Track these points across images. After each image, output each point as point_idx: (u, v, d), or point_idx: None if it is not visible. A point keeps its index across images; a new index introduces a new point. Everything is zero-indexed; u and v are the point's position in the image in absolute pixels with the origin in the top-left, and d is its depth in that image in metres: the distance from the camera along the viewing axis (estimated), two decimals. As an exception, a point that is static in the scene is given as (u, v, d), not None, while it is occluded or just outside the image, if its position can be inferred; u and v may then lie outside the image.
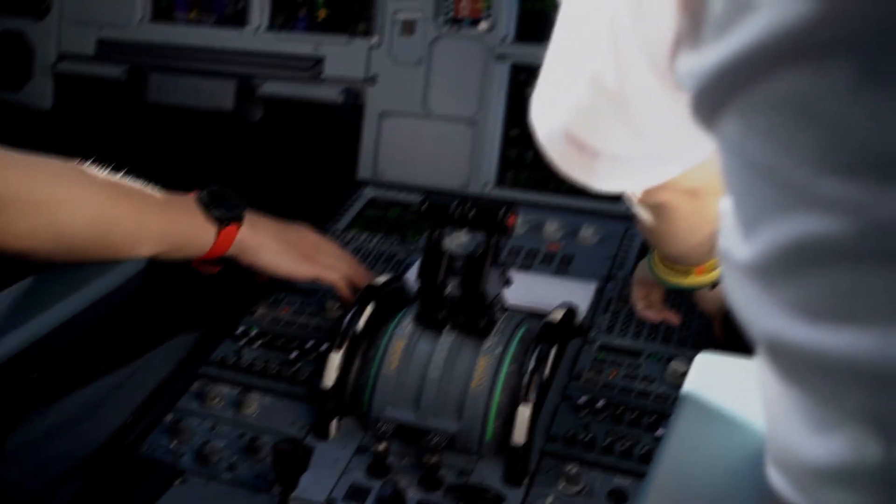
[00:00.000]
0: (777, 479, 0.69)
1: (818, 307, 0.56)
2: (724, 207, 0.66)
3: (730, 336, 1.52)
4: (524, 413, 1.35)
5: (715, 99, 0.60)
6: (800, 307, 0.57)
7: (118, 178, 1.38)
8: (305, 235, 1.66)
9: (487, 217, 1.44)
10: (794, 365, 0.60)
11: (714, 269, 1.40)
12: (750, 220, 0.60)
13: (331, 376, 1.46)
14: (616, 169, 0.88)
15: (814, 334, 0.56)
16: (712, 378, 1.02)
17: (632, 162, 0.87)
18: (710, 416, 0.96)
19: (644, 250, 1.81)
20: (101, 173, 1.33)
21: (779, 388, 0.63)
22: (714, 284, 1.46)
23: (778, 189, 0.56)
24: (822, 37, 0.50)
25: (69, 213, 1.26)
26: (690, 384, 1.02)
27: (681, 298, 1.61)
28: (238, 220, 1.51)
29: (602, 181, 0.91)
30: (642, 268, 1.56)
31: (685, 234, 1.19)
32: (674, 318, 1.59)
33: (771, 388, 0.65)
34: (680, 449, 0.91)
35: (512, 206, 1.45)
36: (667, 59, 0.68)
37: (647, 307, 1.59)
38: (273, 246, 1.58)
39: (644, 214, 1.20)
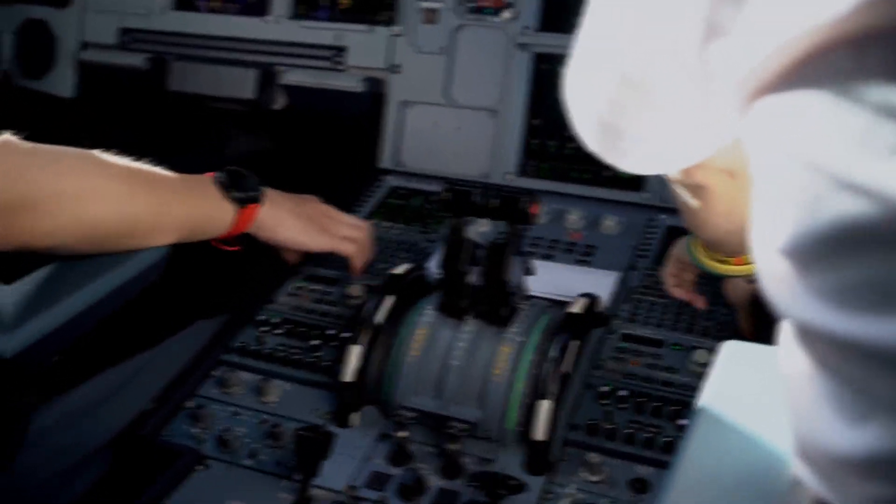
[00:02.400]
0: (803, 472, 0.69)
1: (853, 295, 0.55)
2: (755, 194, 0.65)
3: (754, 329, 1.51)
4: (545, 408, 1.34)
5: (751, 84, 0.59)
6: (834, 295, 0.56)
7: (138, 164, 1.37)
8: (319, 207, 1.68)
9: (510, 206, 1.43)
10: (828, 353, 0.59)
11: (751, 262, 1.39)
12: (784, 207, 0.59)
13: (351, 369, 1.45)
14: (645, 151, 0.87)
15: (848, 322, 0.56)
16: (738, 366, 1.01)
17: (659, 145, 0.86)
18: (736, 404, 0.95)
19: (667, 241, 1.80)
20: (121, 161, 1.33)
21: (809, 378, 0.62)
22: (751, 279, 1.44)
23: (814, 174, 0.55)
24: (862, 22, 0.50)
25: (94, 208, 1.26)
26: (716, 372, 1.01)
27: (708, 286, 1.60)
28: (256, 200, 1.52)
29: (632, 163, 0.91)
30: (681, 246, 1.54)
31: (723, 216, 1.17)
32: (700, 302, 1.58)
33: (800, 378, 0.64)
34: (705, 438, 0.90)
35: (534, 195, 1.44)
36: (696, 48, 0.67)
37: (677, 285, 1.58)
38: (291, 221, 1.59)
39: (683, 195, 1.19)
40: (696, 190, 1.12)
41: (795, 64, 0.54)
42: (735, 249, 1.36)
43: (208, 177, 1.49)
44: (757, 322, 1.51)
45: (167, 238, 1.37)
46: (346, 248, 1.66)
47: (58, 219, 1.21)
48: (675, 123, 0.80)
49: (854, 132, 0.52)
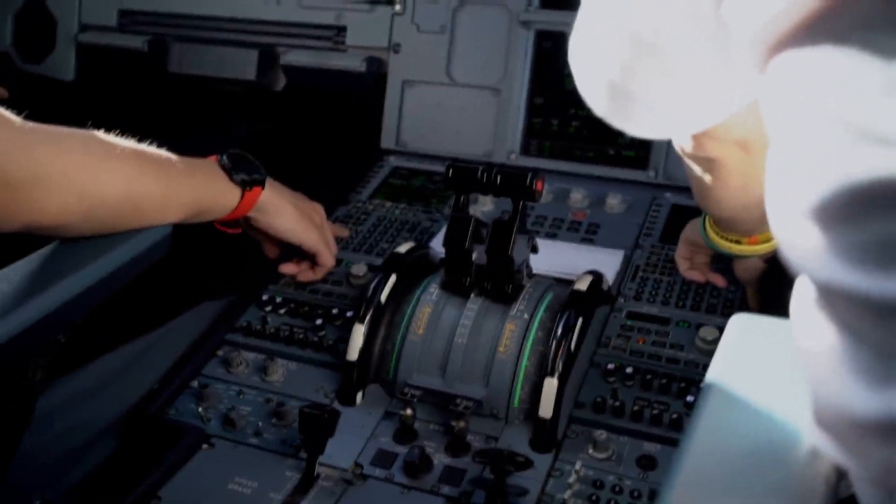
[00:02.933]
0: (822, 440, 0.68)
1: (880, 252, 0.54)
2: (774, 155, 0.64)
3: (763, 307, 1.51)
4: (551, 386, 1.34)
5: (769, 39, 0.58)
6: (860, 253, 0.55)
7: (142, 146, 1.37)
8: (312, 205, 1.68)
9: (515, 182, 1.43)
10: (850, 315, 0.59)
11: (766, 241, 1.38)
12: (807, 165, 0.58)
13: (355, 349, 1.45)
14: (656, 115, 0.86)
15: (873, 280, 0.55)
16: (747, 339, 1.00)
17: (672, 108, 0.85)
18: (746, 377, 0.94)
19: (672, 219, 1.79)
20: (125, 142, 1.32)
21: (829, 343, 0.61)
22: (768, 258, 1.44)
23: (840, 129, 0.54)
24: None
25: (100, 187, 1.24)
26: (725, 345, 1.00)
27: (716, 264, 1.59)
28: (260, 183, 1.51)
29: (642, 128, 0.89)
30: (692, 228, 1.54)
31: (735, 191, 1.16)
32: (719, 281, 1.57)
33: (819, 343, 0.63)
34: (715, 413, 0.89)
35: (538, 172, 1.43)
36: (711, 4, 0.66)
37: (692, 268, 1.58)
38: (290, 210, 1.59)
39: (695, 170, 1.18)
40: (709, 164, 1.11)
41: (816, 15, 0.53)
42: (748, 227, 1.36)
43: (212, 160, 1.48)
44: (767, 300, 1.51)
45: (172, 218, 1.35)
46: (326, 255, 1.67)
47: (64, 197, 1.19)
48: (688, 85, 0.79)
49: (882, 83, 0.51)
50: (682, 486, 0.78)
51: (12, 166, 1.12)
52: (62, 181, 1.18)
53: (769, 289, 1.50)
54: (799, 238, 0.60)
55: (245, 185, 1.48)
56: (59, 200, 1.18)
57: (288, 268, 1.69)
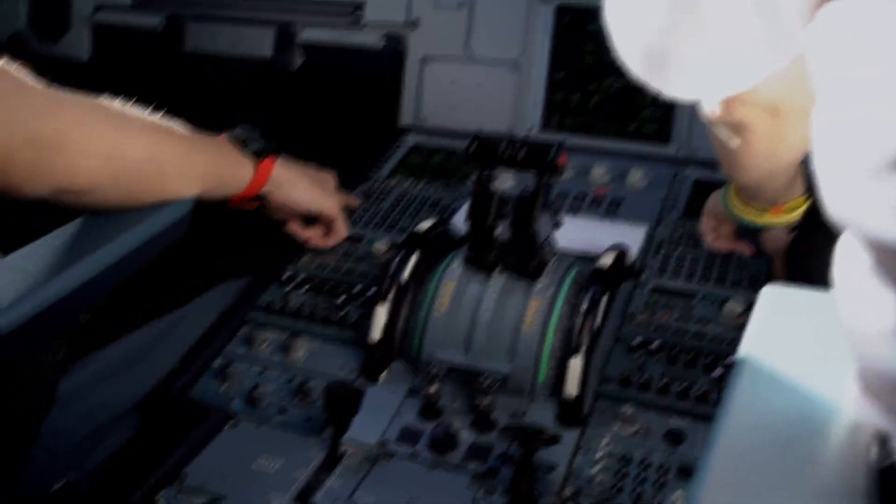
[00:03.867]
0: (867, 407, 0.66)
1: None
2: (824, 111, 0.61)
3: (789, 278, 1.49)
4: (576, 365, 1.32)
5: None
6: None
7: (161, 118, 1.36)
8: (322, 174, 1.69)
9: (538, 157, 1.41)
10: None
11: (791, 210, 1.36)
12: (866, 117, 0.56)
13: (378, 328, 1.44)
14: (695, 75, 0.84)
15: None
16: (779, 311, 0.99)
17: (707, 68, 0.83)
18: (779, 350, 0.93)
19: (695, 194, 1.77)
20: (144, 113, 1.32)
21: (886, 307, 0.59)
22: (793, 228, 1.42)
23: None
24: None
25: (124, 151, 1.25)
26: (757, 318, 0.98)
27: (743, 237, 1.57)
28: (273, 152, 1.52)
29: (680, 88, 0.87)
30: (715, 199, 1.51)
31: (762, 158, 1.14)
32: (745, 249, 1.55)
33: (874, 308, 0.61)
34: (750, 387, 0.88)
35: (562, 145, 1.41)
36: None
37: (717, 238, 1.55)
38: (304, 181, 1.60)
39: (722, 134, 1.16)
40: (737, 128, 1.09)
41: None
42: (773, 196, 1.34)
43: (222, 136, 1.49)
44: (794, 270, 1.49)
45: (192, 188, 1.36)
46: (342, 223, 1.69)
47: (91, 159, 1.20)
48: (727, 42, 0.77)
49: None
50: (719, 460, 0.76)
51: (42, 126, 1.14)
52: (89, 143, 1.20)
53: (796, 259, 1.48)
54: (857, 196, 0.58)
55: (258, 156, 1.49)
56: (87, 162, 1.19)
57: (298, 230, 1.68)
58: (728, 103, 1.01)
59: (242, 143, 1.48)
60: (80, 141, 1.18)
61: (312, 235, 1.69)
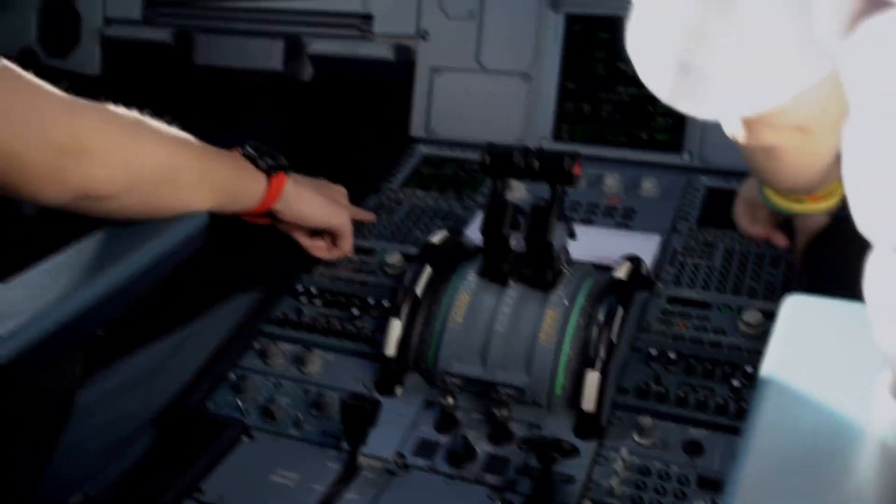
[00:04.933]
0: None
1: None
2: (858, 123, 0.61)
3: (809, 285, 1.48)
4: (593, 379, 1.32)
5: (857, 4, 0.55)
6: None
7: (175, 130, 1.37)
8: (332, 186, 1.69)
9: (553, 166, 1.41)
10: None
11: (828, 196, 1.34)
12: None
13: (392, 343, 1.44)
14: (721, 91, 0.83)
15: None
16: (802, 321, 0.98)
17: (738, 82, 0.82)
18: (805, 361, 0.92)
19: (708, 203, 1.77)
20: (160, 123, 1.33)
21: None
22: (834, 214, 1.40)
23: None
24: None
25: (141, 158, 1.26)
26: (780, 329, 0.98)
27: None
28: (284, 168, 1.52)
29: (707, 107, 0.86)
30: (750, 186, 1.49)
31: (795, 171, 1.13)
32: (780, 239, 1.53)
33: None
34: (776, 401, 0.87)
35: (577, 155, 1.41)
36: None
37: (752, 224, 1.54)
38: (315, 198, 1.60)
39: (752, 158, 1.15)
40: (765, 152, 1.07)
41: None
42: (809, 190, 1.32)
43: (235, 151, 1.49)
44: (812, 277, 1.48)
45: (206, 200, 1.36)
46: (348, 239, 1.69)
47: (110, 166, 1.21)
48: (759, 53, 0.76)
49: None
50: (748, 477, 0.76)
51: (61, 133, 1.15)
52: (107, 150, 1.20)
53: (816, 266, 1.47)
54: (892, 212, 0.58)
55: (271, 171, 1.49)
56: (105, 169, 1.20)
57: (304, 240, 1.68)
58: (753, 127, 1.00)
59: (254, 159, 1.48)
60: (98, 148, 1.19)
61: (317, 247, 1.69)
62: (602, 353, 1.33)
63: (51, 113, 1.15)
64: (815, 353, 0.93)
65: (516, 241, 1.44)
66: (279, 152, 1.53)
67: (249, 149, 1.49)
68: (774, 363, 0.91)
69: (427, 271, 1.49)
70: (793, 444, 0.79)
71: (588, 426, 1.32)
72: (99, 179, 1.20)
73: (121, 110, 1.27)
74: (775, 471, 0.75)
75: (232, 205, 1.45)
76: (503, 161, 1.43)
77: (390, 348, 1.44)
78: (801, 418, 0.82)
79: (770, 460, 0.76)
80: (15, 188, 1.15)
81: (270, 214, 1.54)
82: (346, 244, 1.69)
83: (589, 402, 1.32)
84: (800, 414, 0.83)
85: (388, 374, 1.45)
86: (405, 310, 1.45)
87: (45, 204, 1.19)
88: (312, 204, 1.59)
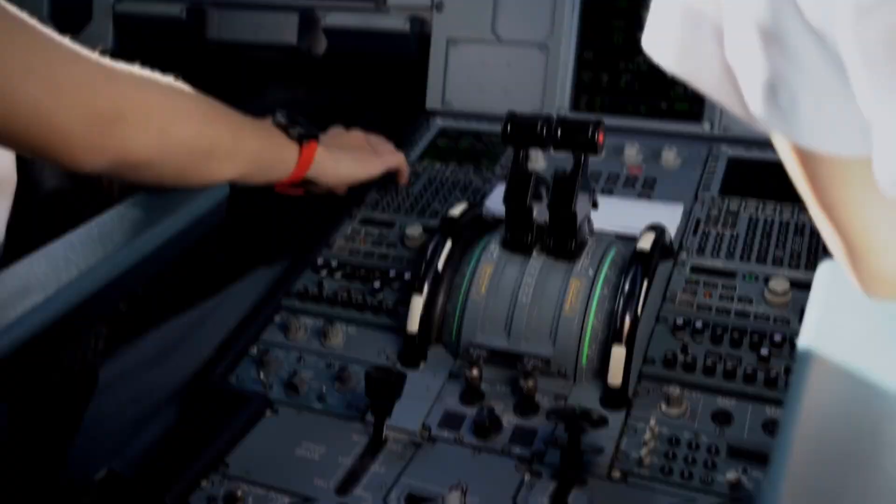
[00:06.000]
0: None
1: None
2: None
3: None
4: (619, 353, 1.31)
5: None
6: None
7: (210, 98, 1.36)
8: (359, 136, 1.71)
9: (576, 134, 1.39)
10: None
11: None
12: None
13: (415, 319, 1.43)
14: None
15: None
16: (840, 286, 0.96)
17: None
18: (845, 330, 0.91)
19: (730, 172, 1.75)
20: (196, 92, 1.32)
21: None
22: None
23: None
24: None
25: (178, 125, 1.25)
26: (817, 295, 0.96)
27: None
28: (315, 137, 1.51)
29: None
30: None
31: None
32: None
33: None
34: (818, 371, 0.85)
35: (600, 122, 1.39)
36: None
37: None
38: (346, 157, 1.60)
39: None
40: None
41: None
42: None
43: (267, 121, 1.49)
44: None
45: (240, 167, 1.36)
46: (395, 161, 1.74)
47: (146, 133, 1.20)
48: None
49: None
50: (795, 447, 0.74)
51: (99, 99, 1.14)
52: (144, 117, 1.19)
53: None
54: None
55: (302, 140, 1.48)
56: (142, 136, 1.19)
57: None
58: None
59: (285, 128, 1.47)
60: (135, 114, 1.18)
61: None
62: (627, 326, 1.31)
63: (92, 82, 1.13)
64: (855, 319, 0.91)
65: (538, 212, 1.42)
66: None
67: (280, 118, 1.49)
68: (813, 330, 0.89)
69: (448, 245, 1.47)
70: (838, 413, 0.77)
71: (615, 399, 1.31)
72: (134, 146, 1.19)
73: (158, 76, 1.26)
74: (822, 441, 0.74)
75: (264, 174, 1.45)
76: (526, 130, 1.41)
77: (413, 325, 1.43)
78: (844, 386, 0.81)
79: (816, 430, 0.75)
80: (53, 155, 1.14)
81: (305, 184, 1.53)
82: (404, 171, 1.77)
83: (615, 377, 1.31)
84: (843, 382, 0.81)
85: (412, 350, 1.44)
86: (427, 286, 1.44)
87: (82, 171, 1.18)
88: (347, 163, 1.60)
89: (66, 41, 1.13)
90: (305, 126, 1.50)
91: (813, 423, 0.76)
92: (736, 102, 0.68)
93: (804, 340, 0.88)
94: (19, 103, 1.06)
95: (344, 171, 1.59)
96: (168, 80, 1.27)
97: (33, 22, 1.09)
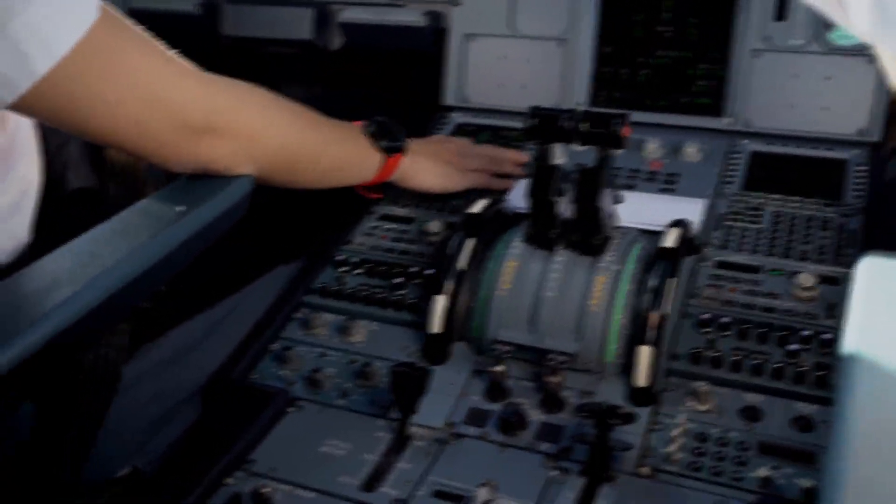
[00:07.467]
0: None
1: None
2: None
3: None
4: (646, 352, 1.29)
5: None
6: None
7: (301, 108, 1.40)
8: (451, 147, 1.74)
9: (601, 128, 1.37)
10: None
11: None
12: None
13: (438, 318, 1.41)
14: None
15: None
16: (883, 282, 0.94)
17: None
18: (892, 324, 0.88)
19: (752, 167, 1.74)
20: (288, 101, 1.37)
21: None
22: None
23: None
24: None
25: (264, 134, 1.30)
26: (859, 291, 0.94)
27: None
28: (402, 150, 1.57)
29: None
30: None
31: None
32: None
33: None
34: (867, 366, 0.83)
35: (626, 115, 1.37)
36: None
37: None
38: (431, 169, 1.67)
39: None
40: None
41: None
42: None
43: (357, 125, 1.53)
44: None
45: (320, 175, 1.45)
46: (480, 182, 1.73)
47: (235, 143, 1.25)
48: None
49: None
50: (852, 449, 0.72)
51: (193, 113, 1.19)
52: (234, 129, 1.25)
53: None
54: None
55: (388, 152, 1.54)
56: (231, 146, 1.25)
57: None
58: None
59: (374, 137, 1.53)
60: (226, 128, 1.24)
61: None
62: (653, 329, 1.30)
63: (188, 98, 1.19)
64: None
65: (564, 205, 1.41)
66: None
67: (372, 126, 1.54)
68: (858, 329, 0.87)
69: (470, 243, 1.46)
70: (891, 417, 0.76)
71: (642, 397, 1.30)
72: (223, 155, 1.25)
73: (253, 89, 1.31)
74: (881, 445, 0.72)
75: (343, 179, 1.53)
76: (550, 124, 1.39)
77: (435, 325, 1.42)
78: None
79: (872, 431, 0.73)
80: (145, 156, 1.21)
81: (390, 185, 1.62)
82: (493, 186, 1.74)
83: (642, 376, 1.29)
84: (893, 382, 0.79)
85: (434, 347, 1.42)
86: (449, 285, 1.42)
87: (171, 171, 1.24)
88: (430, 175, 1.67)
89: (174, 57, 1.20)
90: (396, 135, 1.55)
91: (868, 425, 0.75)
92: (839, 13, 0.68)
93: (851, 339, 0.86)
94: (119, 116, 1.13)
95: (427, 183, 1.67)
96: (261, 91, 1.32)
97: (147, 37, 1.16)
